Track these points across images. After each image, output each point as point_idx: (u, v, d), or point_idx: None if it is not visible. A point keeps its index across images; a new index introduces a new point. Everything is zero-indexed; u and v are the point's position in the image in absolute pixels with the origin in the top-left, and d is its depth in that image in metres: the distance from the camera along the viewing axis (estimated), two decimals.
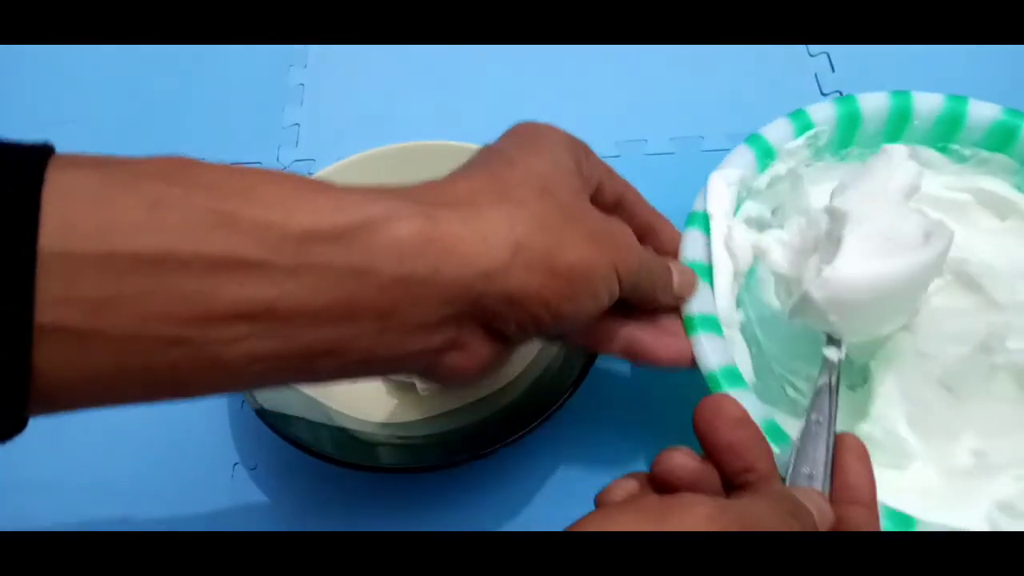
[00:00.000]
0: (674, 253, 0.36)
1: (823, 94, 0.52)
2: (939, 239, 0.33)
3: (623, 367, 0.43)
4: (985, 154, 0.42)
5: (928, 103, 0.41)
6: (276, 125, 0.53)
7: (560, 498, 0.39)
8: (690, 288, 0.35)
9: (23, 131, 0.23)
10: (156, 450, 0.41)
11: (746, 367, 0.36)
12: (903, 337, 0.37)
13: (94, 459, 0.41)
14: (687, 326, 0.35)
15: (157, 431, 0.42)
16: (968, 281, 0.40)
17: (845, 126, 0.42)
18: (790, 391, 0.38)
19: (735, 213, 0.39)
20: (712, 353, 0.34)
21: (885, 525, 0.30)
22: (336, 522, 0.39)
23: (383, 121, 0.53)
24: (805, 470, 0.29)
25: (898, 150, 0.36)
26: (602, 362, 0.38)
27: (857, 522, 0.27)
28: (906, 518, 0.30)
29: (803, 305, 0.33)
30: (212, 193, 0.22)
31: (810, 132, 0.41)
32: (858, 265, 0.32)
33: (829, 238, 0.34)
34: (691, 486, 0.25)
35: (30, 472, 0.41)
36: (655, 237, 0.35)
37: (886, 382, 0.37)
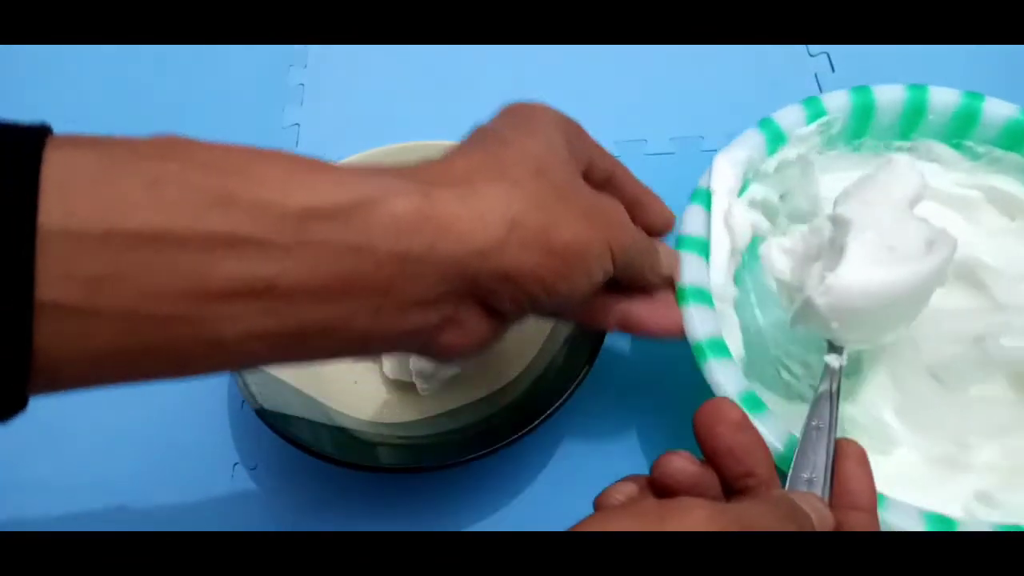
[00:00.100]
0: (663, 227, 0.36)
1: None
2: (942, 248, 0.33)
3: (624, 368, 0.43)
4: (999, 152, 0.42)
5: (944, 98, 0.41)
6: (276, 125, 0.53)
7: (560, 499, 0.39)
8: (676, 268, 0.35)
9: None
10: (156, 450, 0.41)
11: (736, 342, 0.36)
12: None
13: (94, 459, 0.41)
14: (679, 297, 0.35)
15: (157, 431, 0.42)
16: (971, 279, 0.40)
17: (859, 116, 0.42)
18: (784, 374, 0.39)
19: (740, 194, 0.40)
20: (700, 323, 0.35)
21: (925, 527, 0.30)
22: (336, 522, 0.39)
23: (383, 121, 0.53)
24: (805, 475, 0.29)
25: (903, 159, 0.36)
26: (603, 363, 0.38)
27: (857, 527, 0.27)
28: (947, 520, 0.31)
29: (805, 312, 0.33)
30: (210, 171, 0.22)
31: (822, 119, 0.41)
32: (861, 273, 0.32)
33: (832, 245, 0.34)
34: (690, 490, 0.25)
35: (30, 472, 0.41)
36: (644, 213, 0.35)
37: (878, 370, 0.37)
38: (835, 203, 0.35)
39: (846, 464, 0.29)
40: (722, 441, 0.26)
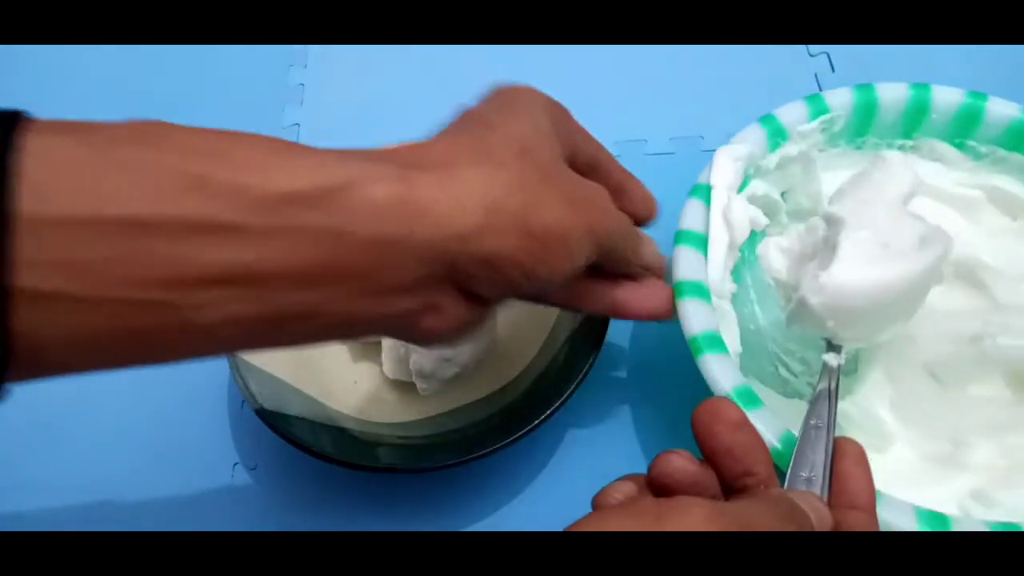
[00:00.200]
0: (646, 214, 0.36)
1: None
2: (936, 245, 0.33)
3: (624, 367, 0.43)
4: (1002, 152, 0.42)
5: (947, 97, 0.41)
6: (276, 125, 0.53)
7: (560, 499, 0.39)
8: (658, 258, 0.35)
9: None
10: (156, 450, 0.41)
11: (733, 337, 0.36)
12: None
13: (94, 459, 0.41)
14: (676, 291, 0.35)
15: (157, 431, 0.42)
16: (971, 279, 0.40)
17: (862, 114, 0.42)
18: (782, 370, 0.39)
19: (740, 189, 0.40)
20: (696, 318, 0.35)
21: (919, 526, 0.30)
22: (336, 522, 0.39)
23: (383, 121, 0.53)
24: (803, 474, 0.29)
25: (896, 157, 0.36)
26: (603, 363, 0.38)
27: (855, 527, 0.27)
28: (942, 518, 0.30)
29: (800, 311, 0.33)
30: (187, 156, 0.22)
31: (825, 116, 0.41)
32: (854, 271, 0.32)
33: (826, 244, 0.34)
34: (689, 489, 0.25)
35: (30, 472, 0.41)
36: (627, 199, 0.35)
37: (875, 367, 0.37)
38: (828, 201, 0.36)
39: (845, 463, 0.29)
40: (721, 440, 0.26)
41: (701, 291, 0.35)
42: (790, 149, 0.41)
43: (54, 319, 0.21)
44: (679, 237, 0.37)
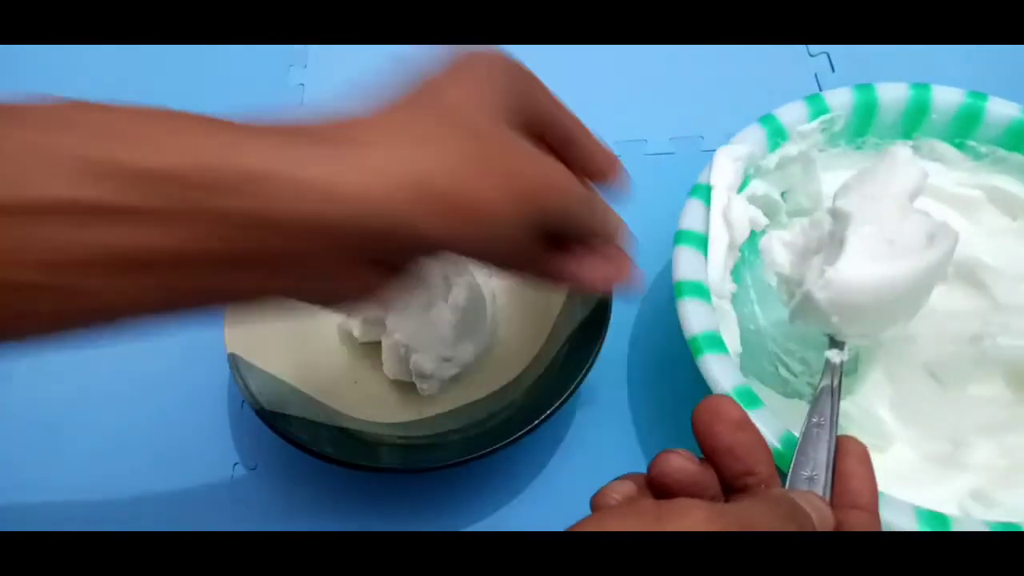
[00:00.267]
0: (602, 175, 0.34)
1: None
2: (943, 241, 0.33)
3: (624, 366, 0.43)
4: (1002, 152, 0.42)
5: (947, 97, 0.41)
6: None
7: (560, 499, 0.39)
8: (611, 226, 0.33)
9: None
10: (156, 450, 0.41)
11: (733, 337, 0.36)
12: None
13: (94, 459, 0.41)
14: (676, 291, 0.35)
15: (157, 431, 0.42)
16: (971, 279, 0.40)
17: (862, 114, 0.42)
18: (782, 370, 0.39)
19: (740, 189, 0.40)
20: (696, 318, 0.35)
21: (919, 526, 0.30)
22: (336, 522, 0.39)
23: None
24: (805, 473, 0.28)
25: (903, 151, 0.36)
26: (603, 362, 0.38)
27: (857, 527, 0.26)
28: (941, 518, 0.30)
29: (805, 306, 0.33)
30: (93, 139, 0.22)
31: (825, 116, 0.41)
32: (861, 267, 0.32)
33: (832, 239, 0.34)
34: (689, 489, 0.25)
35: (30, 472, 0.41)
36: (586, 160, 0.33)
37: (874, 367, 0.37)
38: (835, 196, 0.35)
39: (847, 462, 0.28)
40: (722, 440, 0.26)
41: (701, 291, 0.35)
42: (790, 149, 0.41)
43: None
44: (679, 237, 0.37)
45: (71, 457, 0.41)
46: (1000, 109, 0.41)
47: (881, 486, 0.30)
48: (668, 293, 0.37)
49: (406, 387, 0.41)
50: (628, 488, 0.26)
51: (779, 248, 0.37)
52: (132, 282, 0.23)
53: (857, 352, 0.38)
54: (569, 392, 0.37)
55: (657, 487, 0.25)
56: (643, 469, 0.27)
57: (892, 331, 0.35)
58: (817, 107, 0.41)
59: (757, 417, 0.32)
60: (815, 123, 0.41)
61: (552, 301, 0.42)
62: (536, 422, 0.36)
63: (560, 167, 0.30)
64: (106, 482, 0.40)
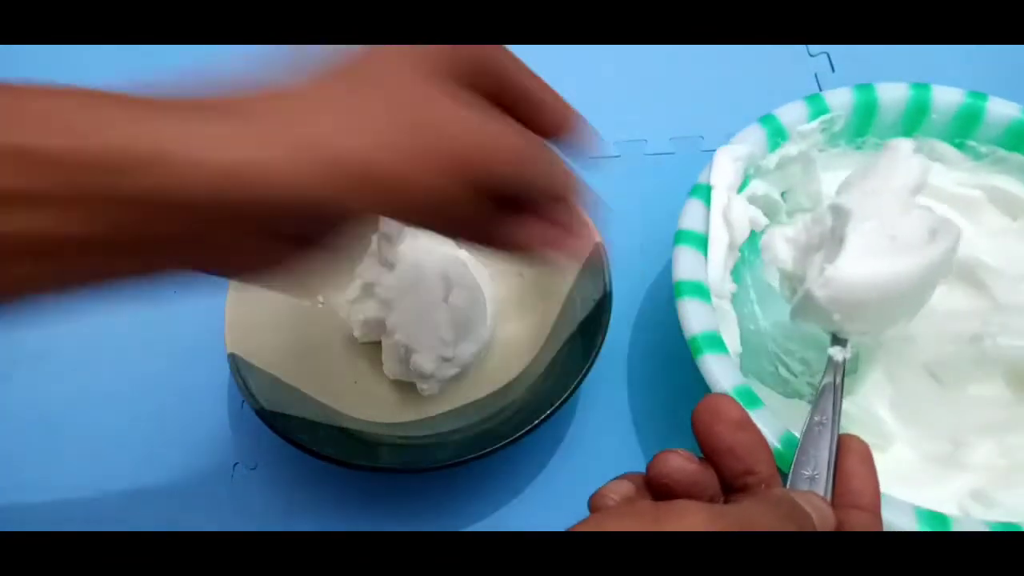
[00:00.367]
0: (557, 130, 0.31)
1: None
2: (946, 237, 0.33)
3: (624, 366, 0.43)
4: (1002, 152, 0.42)
5: (947, 97, 0.41)
6: None
7: (560, 499, 0.39)
8: (570, 189, 0.30)
9: None
10: (156, 450, 0.41)
11: (733, 337, 0.36)
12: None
13: (94, 459, 0.41)
14: (676, 291, 0.35)
15: (157, 431, 0.42)
16: (971, 279, 0.40)
17: (862, 114, 0.42)
18: (783, 371, 0.39)
19: (740, 189, 0.40)
20: (695, 318, 0.35)
21: (919, 526, 0.30)
22: (336, 522, 0.39)
23: None
24: (807, 472, 0.28)
25: (904, 145, 0.36)
26: (603, 362, 0.38)
27: (859, 527, 0.26)
28: (941, 518, 0.30)
29: (806, 304, 0.33)
30: None
31: (825, 116, 0.41)
32: (861, 264, 0.32)
33: (833, 236, 0.34)
34: (688, 489, 0.24)
35: (30, 472, 0.41)
36: (539, 114, 0.31)
37: (874, 366, 0.37)
38: (836, 192, 0.35)
39: (849, 460, 0.28)
40: (722, 440, 0.25)
41: (701, 291, 0.35)
42: (790, 149, 0.41)
43: None
44: (679, 237, 0.37)
45: (71, 457, 0.41)
46: (1000, 109, 0.41)
47: (881, 486, 0.30)
48: (668, 293, 0.37)
49: (406, 387, 0.41)
50: (626, 488, 0.25)
51: (781, 244, 0.37)
52: (26, 267, 0.22)
53: (857, 352, 0.38)
54: (569, 392, 0.36)
55: (656, 488, 0.25)
56: (643, 469, 0.26)
57: (895, 328, 0.35)
58: (817, 107, 0.41)
59: (757, 417, 0.32)
60: (815, 123, 0.41)
61: (552, 301, 0.42)
62: (536, 422, 0.36)
63: (506, 125, 0.28)
64: (106, 482, 0.40)
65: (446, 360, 0.39)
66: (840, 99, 0.41)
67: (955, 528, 0.30)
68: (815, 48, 0.55)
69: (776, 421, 0.32)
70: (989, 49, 0.53)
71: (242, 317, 0.39)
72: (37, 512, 0.40)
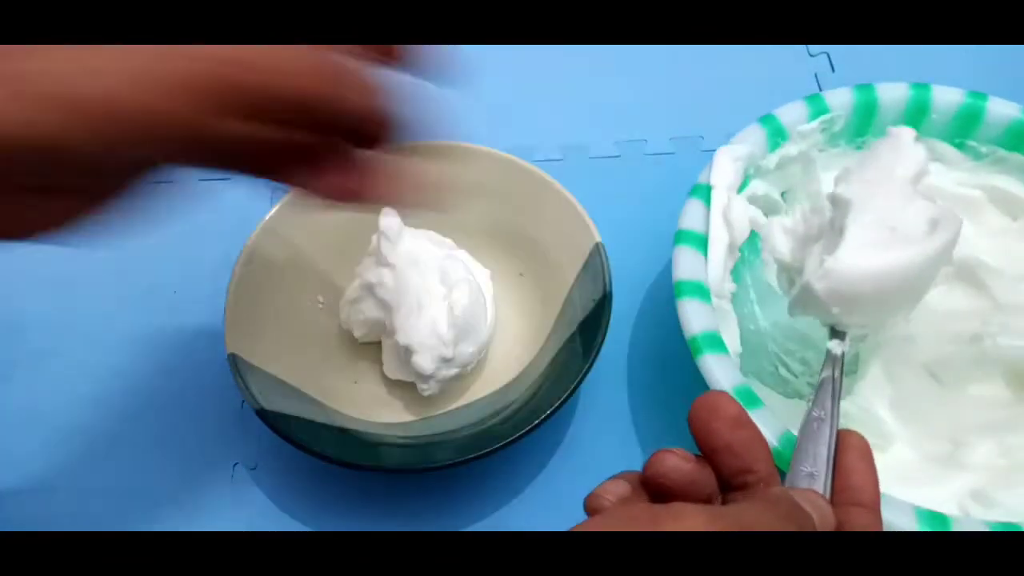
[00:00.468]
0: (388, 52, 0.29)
1: None
2: (946, 228, 0.32)
3: (624, 366, 0.43)
4: (1003, 152, 0.42)
5: (947, 97, 0.41)
6: None
7: (560, 499, 0.39)
8: (380, 116, 0.28)
9: None
10: (156, 450, 0.41)
11: (733, 337, 0.36)
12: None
13: (94, 459, 0.41)
14: (676, 291, 0.35)
15: (157, 431, 0.42)
16: (971, 279, 0.40)
17: (862, 114, 0.42)
18: (782, 371, 0.39)
19: (740, 189, 0.40)
20: (695, 318, 0.34)
21: (919, 526, 0.30)
22: (336, 522, 0.39)
23: None
24: (805, 469, 0.28)
25: (905, 133, 0.35)
26: (603, 362, 0.38)
27: (859, 526, 0.26)
28: (941, 517, 0.30)
29: (804, 296, 0.33)
30: None
31: (825, 116, 0.41)
32: (861, 256, 0.31)
33: (832, 227, 0.33)
34: (685, 489, 0.24)
35: (30, 472, 0.41)
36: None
37: (874, 365, 0.37)
38: (835, 182, 0.35)
39: (849, 457, 0.27)
40: (720, 437, 0.25)
41: (701, 291, 0.35)
42: (790, 149, 0.41)
43: None
44: (679, 237, 0.37)
45: (71, 457, 0.41)
46: (1000, 109, 0.41)
47: (881, 486, 0.30)
48: (668, 293, 0.37)
49: (406, 387, 0.41)
50: (622, 489, 0.25)
51: (779, 235, 0.37)
52: None
53: (857, 352, 0.38)
54: (569, 392, 0.36)
55: (653, 487, 0.25)
56: (642, 469, 0.26)
57: (895, 320, 0.35)
58: (817, 107, 0.41)
59: (757, 417, 0.32)
60: (815, 123, 0.41)
61: (552, 301, 0.42)
62: (536, 422, 0.36)
63: (293, 48, 0.26)
64: (106, 482, 0.40)
65: (446, 360, 0.39)
66: (840, 99, 0.41)
67: (955, 528, 0.30)
68: (815, 48, 0.55)
69: (776, 421, 0.32)
70: (989, 49, 0.53)
71: (242, 317, 0.39)
72: (37, 512, 0.40)
